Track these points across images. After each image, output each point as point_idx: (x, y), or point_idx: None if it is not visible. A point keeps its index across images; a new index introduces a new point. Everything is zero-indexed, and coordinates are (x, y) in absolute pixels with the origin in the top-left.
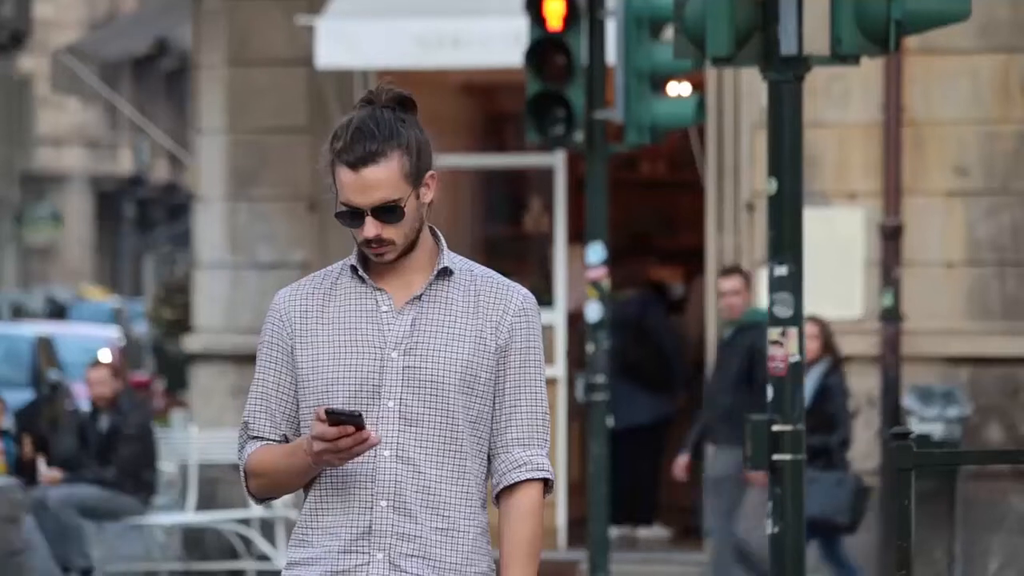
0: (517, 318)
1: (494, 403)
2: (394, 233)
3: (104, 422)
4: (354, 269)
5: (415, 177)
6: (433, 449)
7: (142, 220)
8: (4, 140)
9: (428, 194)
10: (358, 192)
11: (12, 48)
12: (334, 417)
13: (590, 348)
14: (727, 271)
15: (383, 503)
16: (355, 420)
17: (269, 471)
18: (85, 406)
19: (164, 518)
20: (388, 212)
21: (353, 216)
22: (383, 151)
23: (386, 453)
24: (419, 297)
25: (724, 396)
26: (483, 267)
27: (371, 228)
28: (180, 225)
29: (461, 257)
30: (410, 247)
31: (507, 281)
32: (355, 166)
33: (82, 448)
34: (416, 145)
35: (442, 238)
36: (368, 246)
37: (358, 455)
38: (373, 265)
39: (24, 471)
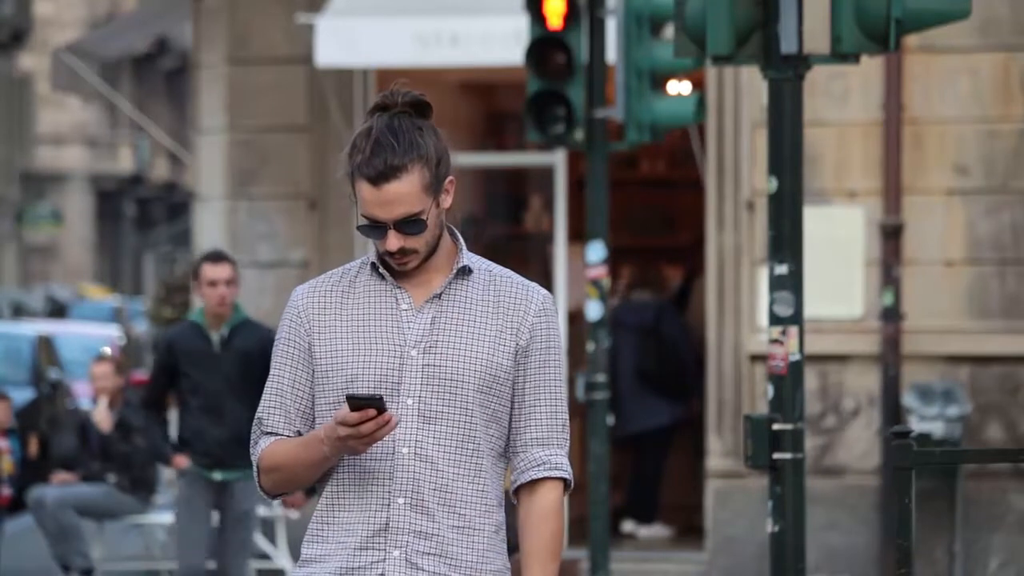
0: (538, 318)
1: (513, 402)
2: (416, 243)
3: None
4: (374, 267)
5: (435, 187)
6: (451, 447)
7: (142, 219)
8: (4, 139)
9: (447, 199)
10: (379, 207)
11: (12, 46)
12: (355, 402)
13: (590, 347)
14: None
15: (400, 500)
16: (376, 403)
17: (283, 465)
18: (85, 404)
19: (164, 517)
20: (410, 225)
21: (375, 229)
22: (404, 165)
23: (404, 451)
24: (439, 296)
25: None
26: (501, 267)
27: (394, 241)
28: (180, 224)
29: (479, 256)
30: (431, 252)
31: (526, 281)
32: (376, 181)
33: (83, 447)
34: (435, 155)
35: (460, 238)
36: (391, 257)
37: (380, 439)
38: None
39: (29, 469)
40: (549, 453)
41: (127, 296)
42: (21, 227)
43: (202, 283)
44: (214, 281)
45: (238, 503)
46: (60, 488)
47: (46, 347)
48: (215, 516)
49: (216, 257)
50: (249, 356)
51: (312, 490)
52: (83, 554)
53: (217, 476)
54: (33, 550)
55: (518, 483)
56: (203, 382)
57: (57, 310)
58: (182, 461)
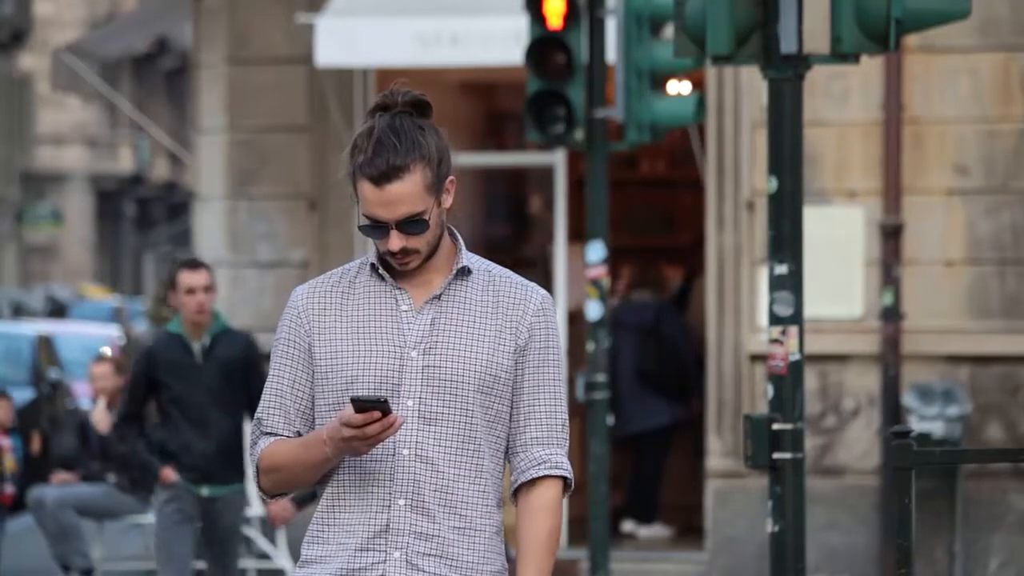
0: (536, 318)
1: (512, 402)
2: (418, 243)
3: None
4: (374, 267)
5: (437, 187)
6: (451, 448)
7: (142, 219)
8: (4, 139)
9: (448, 199)
10: (381, 207)
11: (12, 46)
12: (360, 404)
13: (590, 347)
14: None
15: (401, 502)
16: (381, 406)
17: (283, 465)
18: (85, 404)
19: None
20: (412, 225)
21: (377, 229)
22: (406, 165)
23: (405, 452)
24: (438, 297)
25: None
26: (501, 267)
27: (396, 241)
28: (180, 224)
29: (479, 257)
30: (432, 252)
31: (525, 281)
32: (378, 182)
33: (83, 447)
34: (437, 154)
35: (460, 238)
36: (393, 257)
37: (384, 439)
38: None
39: (31, 467)
40: (549, 452)
41: (127, 296)
42: (21, 227)
43: (179, 291)
44: (192, 288)
45: (225, 518)
46: (60, 488)
47: (46, 347)
48: (198, 529)
49: (193, 264)
50: (232, 365)
51: (302, 502)
52: (83, 554)
53: (205, 492)
54: (33, 550)
55: (518, 482)
56: (185, 394)
57: (57, 310)
58: (171, 475)
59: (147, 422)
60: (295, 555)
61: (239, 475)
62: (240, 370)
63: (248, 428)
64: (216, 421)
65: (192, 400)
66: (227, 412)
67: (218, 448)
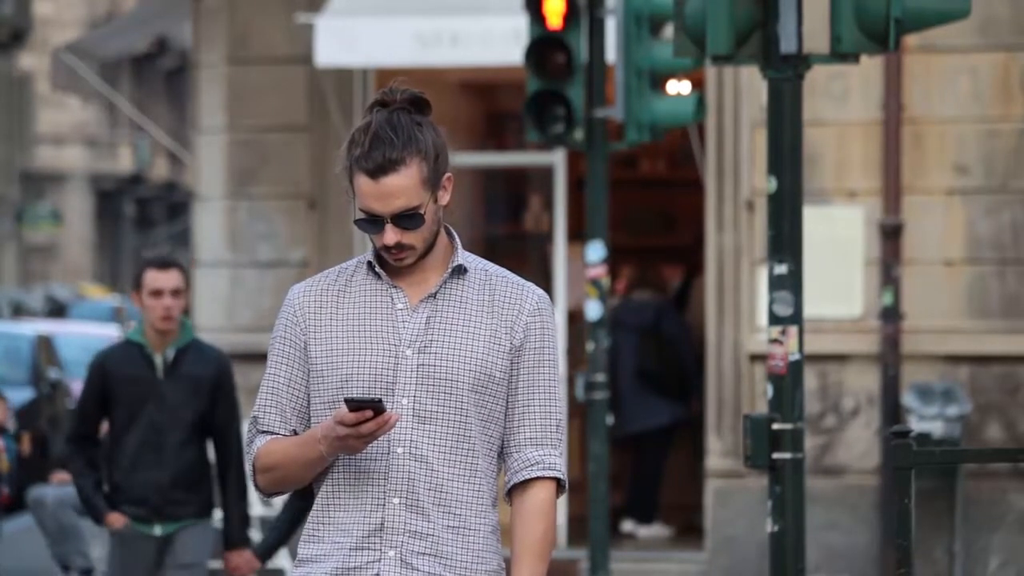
0: (532, 318)
1: (507, 402)
2: (414, 238)
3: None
4: (370, 266)
5: (433, 182)
6: (445, 447)
7: (142, 219)
8: (4, 138)
9: (445, 196)
10: (377, 200)
11: (12, 46)
12: (354, 404)
13: (590, 347)
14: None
15: (395, 500)
16: (375, 405)
17: (279, 464)
18: None
19: None
20: (408, 219)
21: (373, 223)
22: (402, 159)
23: (399, 450)
24: (434, 295)
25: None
26: (497, 266)
27: (391, 235)
28: (180, 224)
29: (475, 256)
30: (428, 249)
31: (522, 281)
32: (374, 174)
33: None
34: (434, 150)
35: (456, 237)
36: (388, 252)
37: (379, 437)
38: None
39: (23, 468)
40: (543, 453)
41: (127, 296)
42: (21, 227)
43: (144, 292)
44: (159, 291)
45: (181, 555)
46: (60, 488)
47: (46, 347)
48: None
49: (163, 263)
50: (199, 384)
51: (266, 553)
52: (83, 554)
53: (157, 531)
54: (33, 550)
55: (512, 483)
56: (141, 414)
57: (57, 310)
58: (118, 520)
59: (100, 445)
60: (294, 555)
61: (201, 509)
62: (208, 391)
63: (213, 456)
64: (174, 447)
65: (149, 422)
66: (189, 437)
67: (173, 479)
